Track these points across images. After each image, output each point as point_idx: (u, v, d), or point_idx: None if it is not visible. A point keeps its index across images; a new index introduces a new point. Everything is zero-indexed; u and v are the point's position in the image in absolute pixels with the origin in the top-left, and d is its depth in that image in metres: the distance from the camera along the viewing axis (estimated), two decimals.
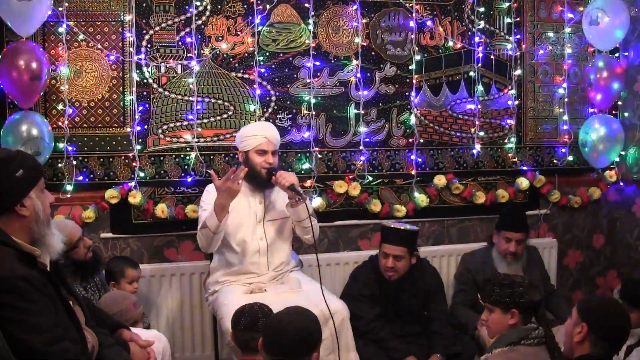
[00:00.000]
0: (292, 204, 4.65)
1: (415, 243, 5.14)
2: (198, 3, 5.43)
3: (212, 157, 5.53)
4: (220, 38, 5.51)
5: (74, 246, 4.36)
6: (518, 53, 6.19)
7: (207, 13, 5.47)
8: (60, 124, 5.19)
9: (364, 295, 5.14)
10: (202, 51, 5.47)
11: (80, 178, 5.27)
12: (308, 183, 5.72)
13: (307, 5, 5.64)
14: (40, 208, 3.07)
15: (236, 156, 5.34)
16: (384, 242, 5.13)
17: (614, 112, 6.45)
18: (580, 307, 3.27)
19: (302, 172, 5.72)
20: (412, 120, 5.96)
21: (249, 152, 4.74)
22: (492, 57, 6.14)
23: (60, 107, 5.20)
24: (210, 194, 4.76)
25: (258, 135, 4.73)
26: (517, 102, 6.24)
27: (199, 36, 5.45)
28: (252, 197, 4.83)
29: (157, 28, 5.37)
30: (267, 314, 3.77)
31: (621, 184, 6.49)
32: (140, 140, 5.38)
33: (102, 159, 5.33)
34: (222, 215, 4.48)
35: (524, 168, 6.29)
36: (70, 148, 5.22)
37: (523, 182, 6.25)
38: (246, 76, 5.57)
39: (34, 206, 3.05)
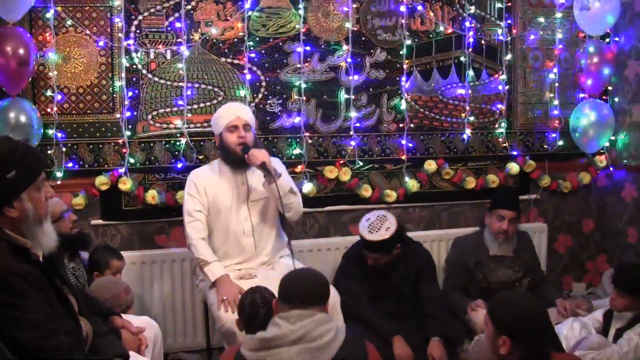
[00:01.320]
0: (268, 181, 4.63)
1: (394, 243, 5.03)
2: None
3: (202, 143, 5.52)
4: (209, 23, 5.48)
5: (58, 218, 4.35)
6: (509, 38, 6.18)
7: None
8: (49, 110, 5.17)
9: (355, 274, 5.14)
10: (191, 36, 5.44)
11: (70, 165, 5.26)
12: (299, 168, 5.71)
13: None
14: (30, 209, 2.99)
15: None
16: (362, 247, 5.12)
17: (604, 97, 6.46)
18: (495, 319, 3.22)
19: (293, 157, 5.72)
20: (403, 105, 5.95)
21: (222, 133, 4.73)
22: (482, 42, 6.13)
23: (48, 93, 5.17)
24: (194, 184, 4.79)
25: (227, 114, 4.72)
26: (507, 87, 6.23)
27: (188, 21, 5.42)
28: (234, 179, 4.81)
29: (145, 13, 5.34)
30: (269, 302, 3.80)
31: (611, 169, 6.50)
32: (129, 126, 5.36)
33: (91, 146, 5.31)
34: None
35: (515, 153, 6.29)
36: (59, 135, 5.20)
37: (513, 167, 6.25)
38: (236, 61, 5.55)
39: (24, 208, 2.97)
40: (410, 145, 6.00)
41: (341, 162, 5.83)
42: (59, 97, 5.20)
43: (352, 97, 5.81)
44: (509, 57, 6.19)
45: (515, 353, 3.13)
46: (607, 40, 6.37)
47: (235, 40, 5.54)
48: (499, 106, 6.22)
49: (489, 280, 3.77)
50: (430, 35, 6.00)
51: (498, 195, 5.63)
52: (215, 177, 4.81)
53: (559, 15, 6.29)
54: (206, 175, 4.84)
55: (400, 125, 5.97)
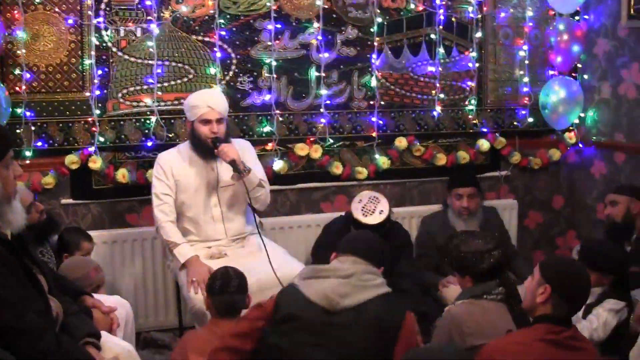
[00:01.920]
0: (237, 177, 4.62)
1: (385, 224, 5.12)
2: None
3: (172, 121, 5.50)
4: (180, 1, 5.43)
5: (25, 211, 4.31)
6: (479, 16, 6.19)
7: None
8: (17, 89, 5.12)
9: (334, 245, 5.16)
10: (162, 14, 5.40)
11: (40, 144, 5.22)
12: (269, 146, 5.71)
13: None
14: None
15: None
16: (354, 227, 5.15)
17: (573, 74, 6.50)
18: (544, 268, 3.32)
19: (264, 135, 5.72)
20: (373, 82, 5.95)
21: (194, 122, 4.73)
22: (453, 19, 6.13)
23: (17, 71, 5.12)
24: (161, 167, 4.80)
25: (201, 105, 4.69)
26: (477, 65, 6.25)
27: None
28: (204, 166, 4.81)
29: None
30: (241, 276, 3.90)
31: (580, 145, 6.55)
32: (99, 104, 5.32)
33: (61, 124, 5.28)
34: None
35: (485, 130, 6.33)
36: (28, 113, 5.16)
37: (484, 144, 6.28)
38: (207, 39, 5.52)
39: None
40: (381, 122, 6.01)
41: (312, 139, 5.84)
42: (28, 75, 5.14)
43: (323, 74, 5.80)
44: (479, 34, 6.20)
45: (548, 305, 3.24)
46: (577, 18, 6.39)
47: (206, 17, 5.51)
48: (469, 83, 6.24)
49: (461, 250, 3.83)
50: (401, 13, 6.00)
51: (453, 176, 5.79)
52: (184, 162, 4.82)
53: None
54: (174, 159, 4.83)
55: (371, 102, 5.98)
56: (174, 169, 4.77)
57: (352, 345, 3.38)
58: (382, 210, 5.04)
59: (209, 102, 4.71)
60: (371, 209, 5.05)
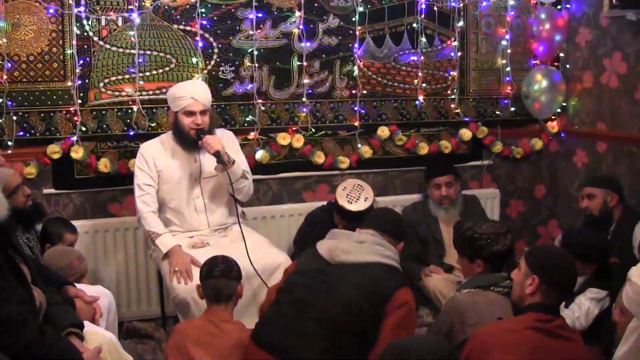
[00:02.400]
0: (221, 168, 4.63)
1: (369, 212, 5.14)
2: None
3: (154, 111, 5.49)
4: None
5: (11, 192, 4.28)
6: (461, 4, 6.19)
7: None
8: None
9: (317, 235, 5.17)
10: (143, 3, 5.38)
11: (21, 133, 5.20)
12: (251, 135, 5.71)
13: None
14: None
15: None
16: (337, 214, 5.18)
17: (555, 63, 6.51)
18: (529, 259, 3.33)
19: (246, 124, 5.72)
20: (356, 71, 5.96)
21: (178, 113, 4.73)
22: (435, 8, 6.13)
23: None
24: (143, 157, 4.81)
25: (185, 96, 4.69)
26: (459, 54, 6.26)
27: None
28: (186, 157, 4.83)
29: None
30: (228, 262, 3.90)
31: (562, 134, 6.58)
32: (81, 94, 5.31)
33: (42, 114, 5.26)
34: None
35: (467, 119, 6.34)
36: (10, 103, 5.13)
37: (466, 133, 6.31)
38: (188, 28, 5.51)
39: None
40: (363, 111, 6.02)
41: (294, 128, 5.84)
42: (9, 65, 5.12)
43: (305, 63, 5.80)
44: (461, 23, 6.21)
45: (537, 296, 3.26)
46: (559, 7, 6.41)
47: (187, 6, 5.49)
48: (452, 72, 6.25)
49: (475, 231, 3.87)
50: (383, 2, 5.99)
51: (429, 166, 5.84)
52: (167, 153, 4.84)
53: None
54: (157, 149, 4.85)
55: (353, 91, 5.98)
56: (156, 160, 4.78)
57: (337, 296, 3.55)
58: (367, 198, 5.07)
59: (192, 93, 4.70)
60: (356, 196, 5.07)
